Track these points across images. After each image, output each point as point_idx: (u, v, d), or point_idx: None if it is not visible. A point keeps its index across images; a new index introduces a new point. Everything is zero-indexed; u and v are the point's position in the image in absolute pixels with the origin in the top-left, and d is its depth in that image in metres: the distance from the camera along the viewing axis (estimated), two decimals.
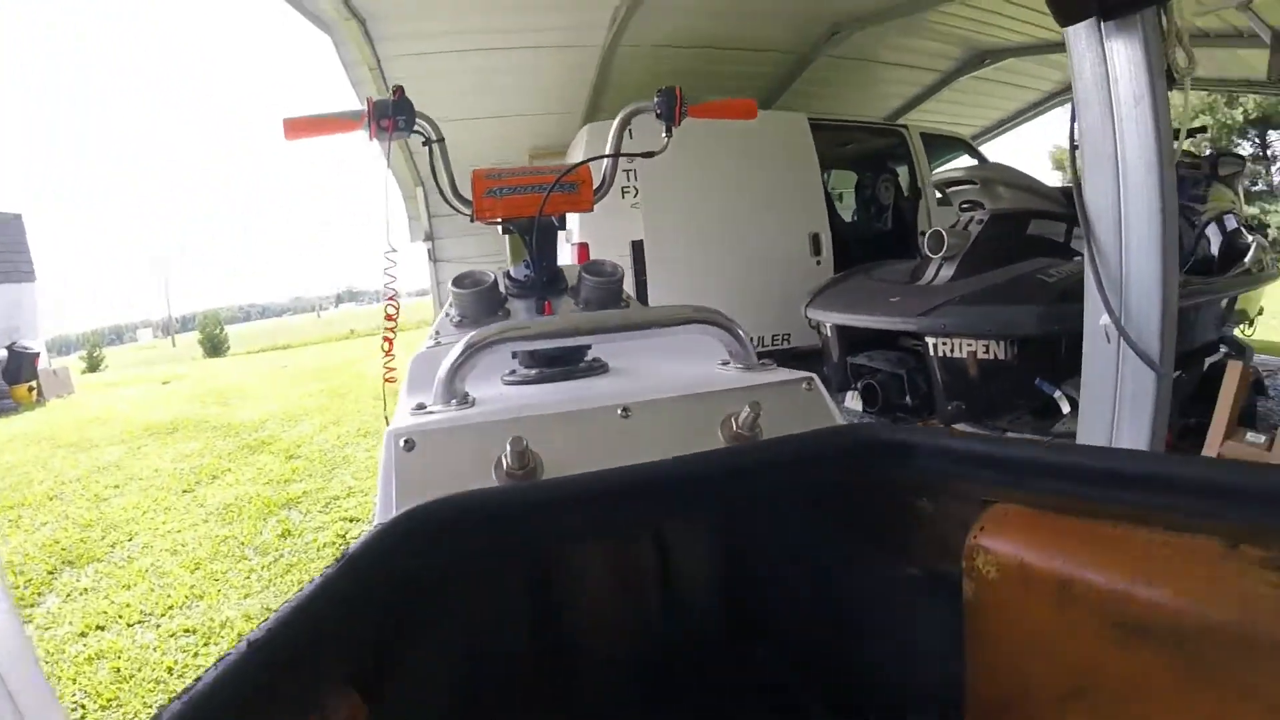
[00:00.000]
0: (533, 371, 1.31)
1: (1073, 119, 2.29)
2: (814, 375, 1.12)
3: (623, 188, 4.13)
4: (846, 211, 6.09)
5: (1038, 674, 0.74)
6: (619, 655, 0.94)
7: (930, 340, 3.21)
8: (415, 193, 6.55)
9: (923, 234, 5.48)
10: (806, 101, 5.60)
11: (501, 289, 1.52)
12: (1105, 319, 2.23)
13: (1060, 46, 6.09)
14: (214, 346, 22.25)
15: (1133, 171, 2.16)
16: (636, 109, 1.62)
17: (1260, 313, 4.29)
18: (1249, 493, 0.61)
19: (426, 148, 1.48)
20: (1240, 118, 16.65)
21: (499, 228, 1.52)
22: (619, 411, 1.02)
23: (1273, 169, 17.22)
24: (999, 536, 0.76)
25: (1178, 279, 2.18)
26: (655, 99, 1.60)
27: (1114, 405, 2.27)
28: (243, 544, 3.57)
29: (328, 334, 25.34)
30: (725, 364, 1.26)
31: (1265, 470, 0.62)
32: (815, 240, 4.73)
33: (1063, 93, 7.70)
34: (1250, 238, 3.98)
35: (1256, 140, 16.61)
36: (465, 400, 1.08)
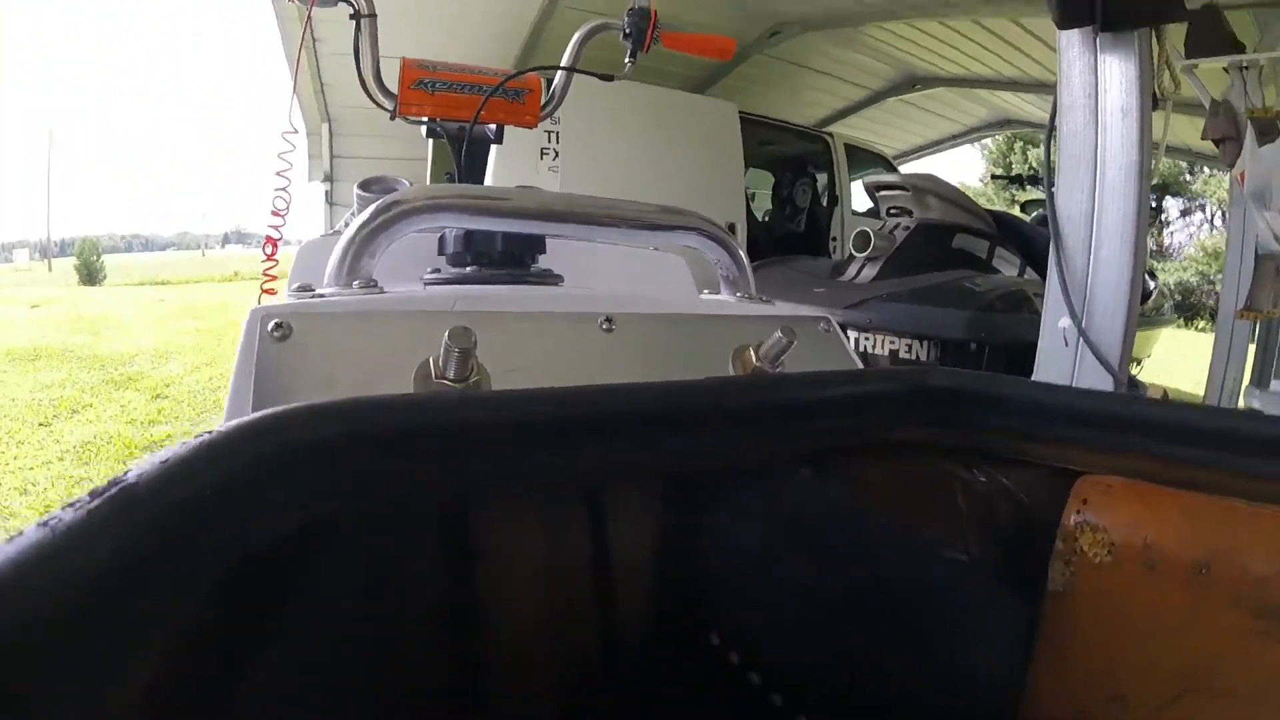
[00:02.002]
0: (466, 270, 1.07)
1: (1051, 119, 2.29)
2: (829, 315, 0.95)
3: (541, 148, 3.96)
4: (760, 210, 6.09)
5: (1140, 676, 0.64)
6: (558, 681, 0.71)
7: (852, 334, 3.19)
8: (320, 129, 6.21)
9: (834, 239, 5.54)
10: (737, 96, 5.54)
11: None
12: (1065, 321, 2.22)
13: (988, 84, 6.27)
14: (89, 274, 20.97)
15: (1111, 181, 2.17)
16: (602, 24, 1.42)
17: (1149, 356, 4.47)
18: None
19: (353, 22, 1.25)
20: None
21: (423, 130, 1.31)
22: (600, 323, 0.80)
23: (1163, 232, 18.32)
24: (1112, 512, 0.65)
25: (1140, 294, 2.21)
26: (625, 17, 1.40)
27: None
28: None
29: (211, 274, 24.16)
30: (712, 294, 1.08)
31: None
32: (731, 229, 4.63)
33: (983, 128, 7.93)
34: (1152, 284, 4.15)
35: (1153, 205, 17.65)
36: (372, 286, 0.83)
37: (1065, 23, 2.16)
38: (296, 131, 1.45)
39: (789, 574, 0.74)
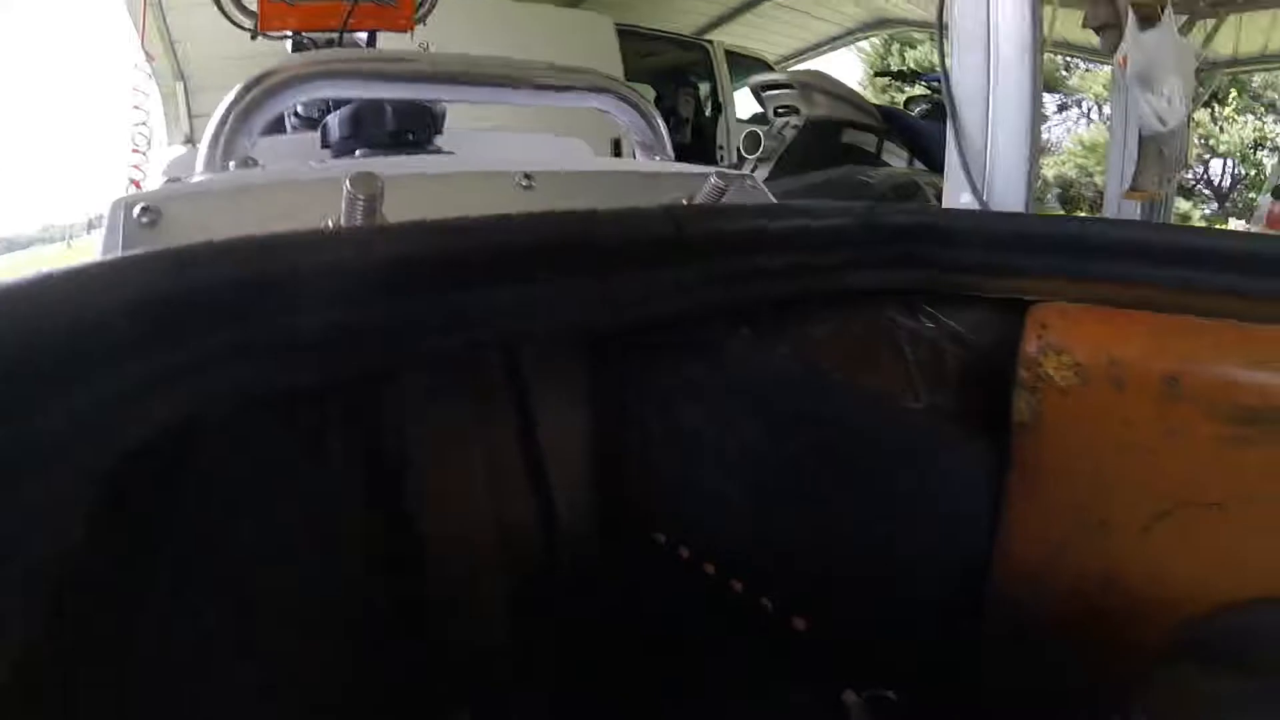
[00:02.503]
0: (355, 156, 0.96)
1: (940, 2, 2.35)
2: (753, 175, 0.90)
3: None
4: None
5: (1117, 498, 0.63)
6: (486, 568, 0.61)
7: None
8: (175, 88, 5.78)
9: (720, 148, 5.52)
10: (612, 9, 5.39)
11: (288, 123, 1.21)
12: (967, 197, 2.27)
13: None
14: None
15: (1005, 56, 2.24)
16: None
17: None
18: None
19: None
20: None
21: (288, 45, 1.24)
22: (518, 180, 0.71)
23: (1042, 126, 19.05)
24: (1075, 334, 0.64)
25: (1038, 162, 2.38)
26: None
27: None
28: None
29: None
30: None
31: None
32: (617, 145, 4.56)
33: (860, 30, 7.93)
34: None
35: None
36: (251, 164, 0.72)
37: None
38: (154, 59, 1.35)
39: (737, 451, 0.69)
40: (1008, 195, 2.23)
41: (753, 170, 3.41)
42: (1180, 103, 3.01)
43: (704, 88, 5.84)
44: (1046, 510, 0.67)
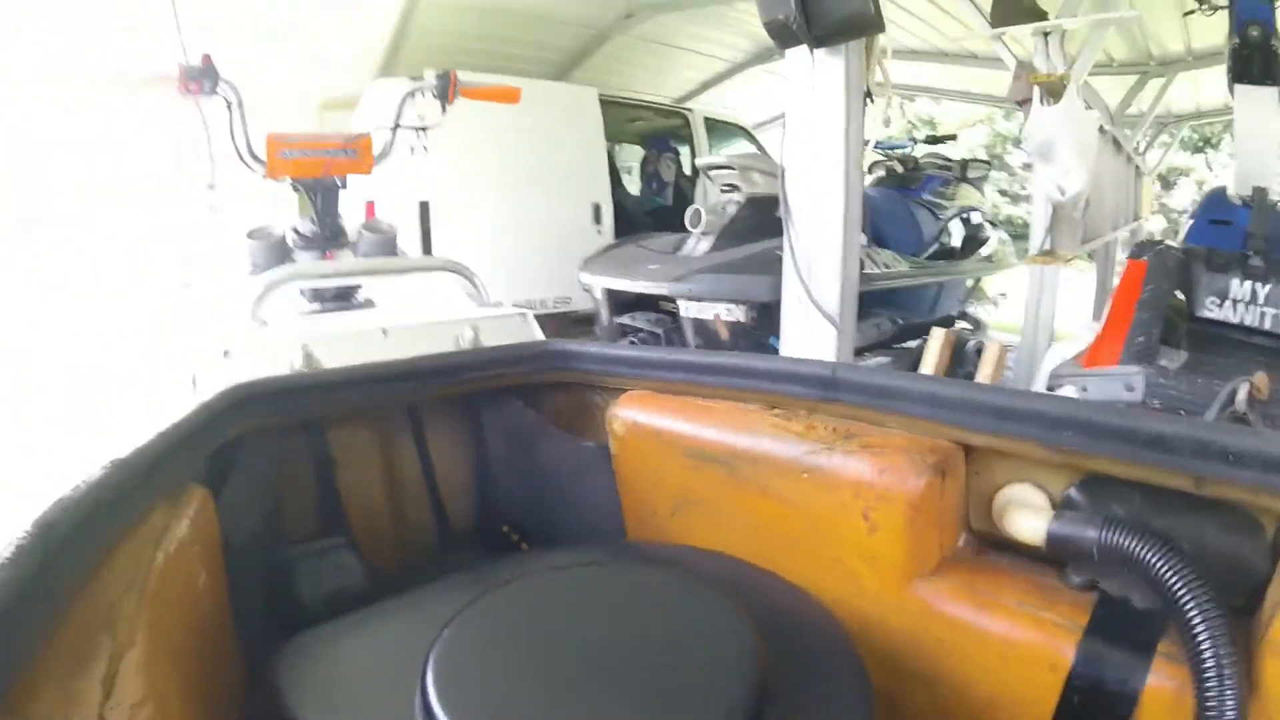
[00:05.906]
0: (317, 305, 1.78)
1: (785, 124, 2.78)
2: (529, 311, 1.56)
3: (410, 146, 4.20)
4: (632, 185, 6.50)
5: (658, 497, 1.17)
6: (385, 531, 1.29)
7: (682, 303, 3.71)
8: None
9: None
10: (603, 76, 5.82)
11: (289, 241, 1.88)
12: (799, 285, 2.72)
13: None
14: None
15: (826, 171, 2.63)
16: (415, 88, 2.01)
17: (1005, 296, 5.30)
18: (776, 374, 1.06)
19: (229, 111, 1.77)
20: (1016, 130, 18.33)
21: (289, 184, 1.85)
22: (381, 333, 1.45)
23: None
24: (626, 407, 1.20)
25: (857, 257, 2.80)
26: (434, 79, 1.97)
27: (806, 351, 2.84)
28: None
29: None
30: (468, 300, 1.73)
31: (791, 361, 1.08)
32: (597, 210, 5.05)
33: None
34: (991, 232, 4.75)
35: (990, 158, 18.61)
36: (263, 325, 1.53)
37: (782, 43, 2.62)
38: (213, 186, 1.89)
39: (524, 467, 1.34)
40: (827, 285, 2.71)
41: (696, 244, 3.91)
42: (1079, 171, 3.17)
43: (685, 152, 6.32)
44: (633, 500, 1.21)
